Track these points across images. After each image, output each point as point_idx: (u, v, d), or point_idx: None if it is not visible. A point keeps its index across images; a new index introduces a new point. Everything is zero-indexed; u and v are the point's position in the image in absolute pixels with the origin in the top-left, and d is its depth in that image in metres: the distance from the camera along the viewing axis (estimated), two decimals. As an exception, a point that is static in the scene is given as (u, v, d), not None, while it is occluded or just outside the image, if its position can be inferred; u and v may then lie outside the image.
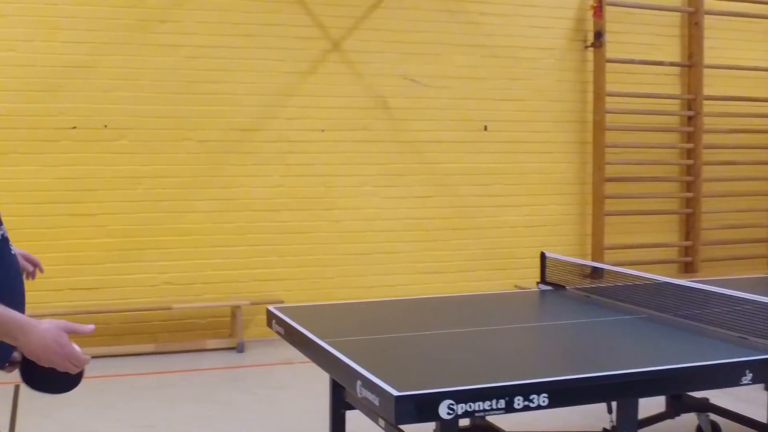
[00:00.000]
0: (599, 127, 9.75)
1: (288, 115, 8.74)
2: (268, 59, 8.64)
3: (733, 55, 10.45)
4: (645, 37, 10.07)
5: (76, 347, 2.31)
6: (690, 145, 10.24)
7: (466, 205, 9.42)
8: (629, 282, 4.95)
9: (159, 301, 8.32)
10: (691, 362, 3.34)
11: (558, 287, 5.25)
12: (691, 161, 10.26)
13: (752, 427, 4.99)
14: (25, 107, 7.89)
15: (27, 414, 6.06)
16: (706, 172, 10.30)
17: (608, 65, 9.72)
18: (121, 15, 8.16)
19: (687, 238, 10.36)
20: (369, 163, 9.03)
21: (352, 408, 4.17)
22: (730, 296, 4.04)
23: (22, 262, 2.73)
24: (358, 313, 4.81)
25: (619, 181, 9.90)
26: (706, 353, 3.53)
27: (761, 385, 5.46)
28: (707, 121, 10.27)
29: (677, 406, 5.00)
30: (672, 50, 10.24)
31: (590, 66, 9.81)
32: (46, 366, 2.28)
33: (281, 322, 4.28)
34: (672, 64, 10.22)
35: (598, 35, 9.66)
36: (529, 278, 7.16)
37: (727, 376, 3.35)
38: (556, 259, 5.39)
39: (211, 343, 8.32)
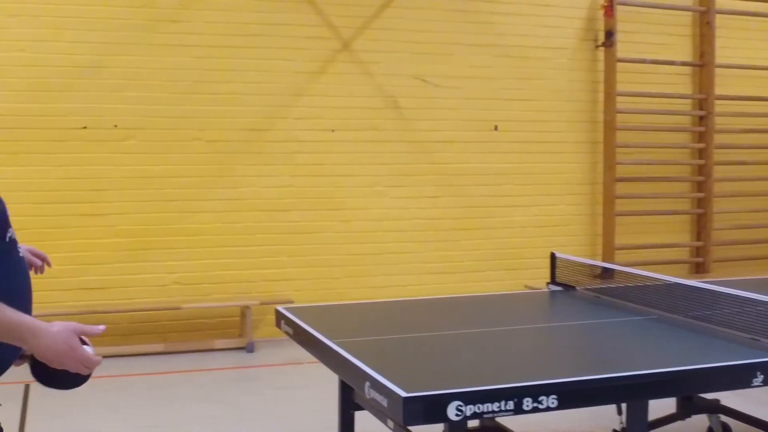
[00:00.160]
0: (610, 127, 9.71)
1: (298, 115, 8.73)
2: (277, 59, 8.63)
3: (744, 54, 10.40)
4: (656, 37, 10.03)
5: (88, 348, 2.32)
6: (701, 145, 10.19)
7: (477, 205, 9.39)
8: (639, 283, 4.92)
9: (168, 301, 8.32)
10: (702, 364, 3.32)
11: (568, 288, 5.22)
12: (702, 161, 10.21)
13: (764, 429, 4.96)
14: (35, 107, 7.89)
15: (36, 413, 6.06)
16: (718, 172, 10.25)
17: (619, 65, 9.68)
18: (130, 15, 8.16)
19: (698, 239, 10.31)
20: (379, 163, 9.01)
21: (361, 409, 4.15)
22: (742, 297, 4.01)
23: (28, 257, 2.74)
24: (367, 313, 4.80)
25: (630, 181, 9.86)
26: (716, 355, 3.51)
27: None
28: (719, 121, 10.22)
29: (688, 407, 4.97)
30: (683, 50, 10.20)
31: (601, 65, 9.77)
32: (58, 368, 2.29)
33: (290, 323, 4.28)
34: (683, 63, 10.18)
35: (609, 35, 9.62)
36: (540, 278, 7.13)
37: (738, 378, 3.33)
38: (566, 260, 5.36)
39: (220, 343, 8.31)
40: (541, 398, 2.89)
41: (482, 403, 2.81)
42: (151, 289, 8.33)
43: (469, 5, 9.26)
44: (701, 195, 10.22)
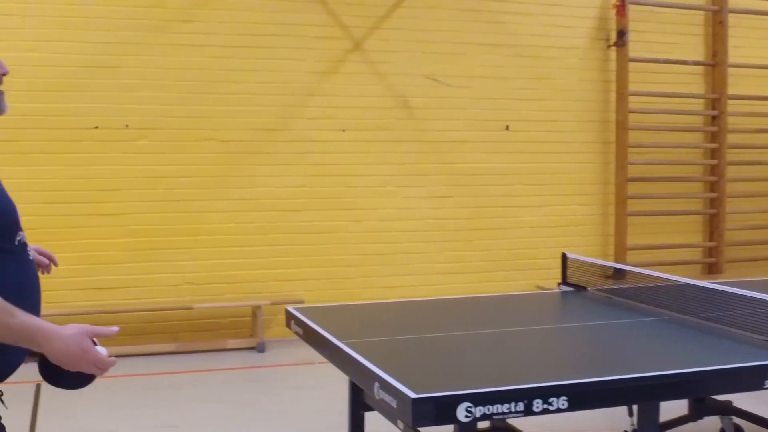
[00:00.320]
0: (622, 127, 9.68)
1: (309, 115, 8.73)
2: (289, 59, 8.63)
3: (758, 54, 10.35)
4: (668, 36, 9.99)
5: (102, 349, 2.32)
6: (714, 145, 10.15)
7: (488, 206, 9.37)
8: (651, 283, 4.90)
9: (180, 301, 8.33)
10: (714, 365, 3.30)
11: (579, 288, 5.20)
12: (715, 161, 10.17)
13: (776, 431, 4.93)
14: (48, 107, 7.91)
15: (47, 412, 6.08)
16: (731, 172, 10.20)
17: (631, 64, 9.64)
18: (143, 15, 8.18)
19: (711, 239, 10.27)
20: (390, 163, 9.00)
21: (371, 409, 4.14)
22: (754, 298, 3.98)
23: (35, 256, 2.74)
24: (377, 313, 4.79)
25: (642, 181, 9.82)
26: (729, 356, 3.49)
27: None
28: (731, 121, 10.17)
29: (700, 408, 4.94)
30: (696, 49, 10.15)
31: (613, 65, 9.74)
32: (72, 370, 2.29)
33: (300, 323, 4.27)
34: (696, 63, 10.13)
35: (621, 34, 9.59)
36: (551, 279, 7.11)
37: (750, 380, 3.30)
38: (578, 260, 5.34)
39: (232, 343, 8.32)
40: (551, 399, 2.87)
41: (492, 404, 2.80)
42: (163, 288, 8.34)
43: (481, 5, 9.24)
44: (714, 195, 10.18)
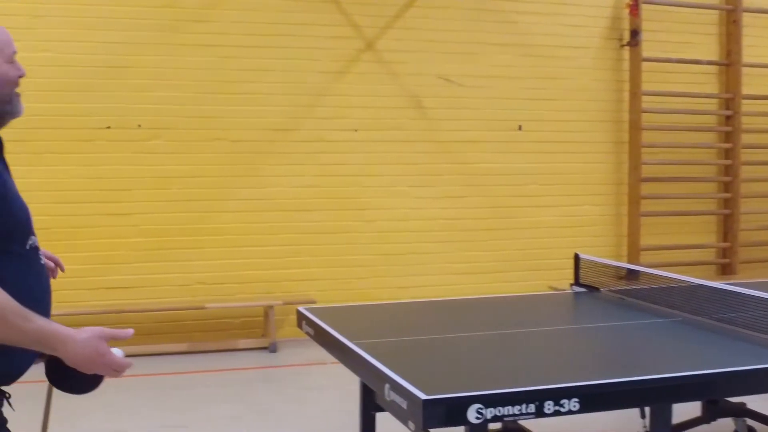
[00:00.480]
0: (635, 127, 9.64)
1: (321, 115, 8.72)
2: (301, 59, 8.63)
3: (772, 53, 10.31)
4: (682, 36, 9.94)
5: (118, 351, 2.33)
6: (728, 145, 10.10)
7: (501, 206, 9.35)
8: (664, 284, 4.87)
9: (192, 301, 8.33)
10: (728, 367, 3.27)
11: (592, 289, 5.18)
12: (729, 161, 10.12)
13: (791, 433, 4.90)
14: (60, 107, 7.93)
15: (57, 412, 6.06)
16: (745, 172, 10.15)
17: (644, 64, 9.60)
18: (155, 15, 8.19)
19: (725, 240, 10.22)
20: (402, 163, 8.99)
21: (382, 410, 4.12)
22: (768, 299, 3.96)
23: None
24: (388, 314, 4.78)
25: (656, 181, 9.78)
26: (742, 358, 3.46)
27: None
28: (746, 121, 10.12)
29: (713, 410, 4.91)
30: (709, 48, 10.10)
31: (626, 65, 9.70)
32: (88, 373, 2.31)
33: (311, 323, 4.27)
34: (710, 62, 10.08)
35: (635, 34, 9.55)
36: (564, 279, 7.08)
37: (764, 382, 3.28)
38: (590, 261, 5.32)
39: (244, 343, 8.32)
40: (563, 401, 2.86)
41: (503, 405, 2.78)
42: (175, 288, 8.35)
43: (494, 4, 9.22)
44: (728, 195, 10.13)
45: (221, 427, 6.00)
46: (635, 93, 9.61)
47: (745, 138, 10.13)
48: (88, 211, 8.07)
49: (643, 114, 9.61)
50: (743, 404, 4.99)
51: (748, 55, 10.07)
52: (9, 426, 2.47)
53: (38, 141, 7.83)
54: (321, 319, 4.19)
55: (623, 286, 5.16)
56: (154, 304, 8.21)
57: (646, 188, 9.71)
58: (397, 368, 3.11)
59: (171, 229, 8.32)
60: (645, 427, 4.30)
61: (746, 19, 10.05)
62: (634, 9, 9.46)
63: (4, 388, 2.41)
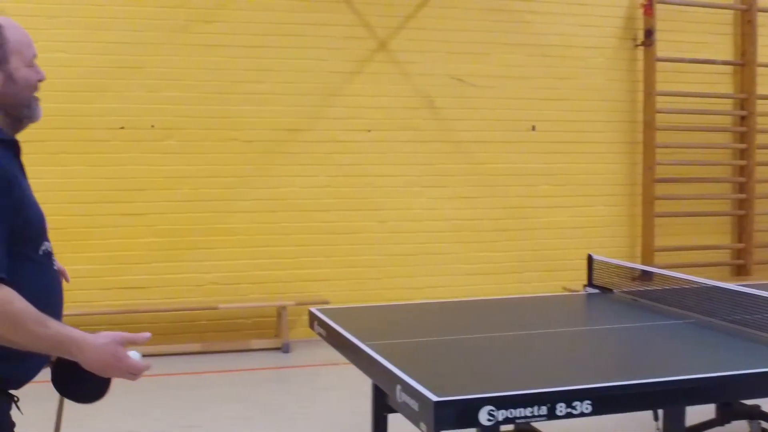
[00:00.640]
0: (649, 127, 9.60)
1: (334, 115, 8.72)
2: (314, 59, 8.63)
3: (787, 53, 10.25)
4: (696, 35, 9.89)
5: (135, 354, 2.34)
6: (743, 146, 10.05)
7: (514, 206, 9.33)
8: (677, 286, 4.84)
9: (205, 301, 8.34)
10: (742, 369, 3.24)
11: (605, 290, 5.15)
12: (744, 162, 10.07)
13: (806, 436, 4.86)
14: (74, 107, 7.95)
15: (72, 412, 6.07)
16: (760, 173, 10.09)
17: (659, 64, 9.56)
18: (167, 16, 8.20)
19: (739, 241, 10.17)
20: (416, 163, 8.98)
21: (394, 411, 4.12)
22: (783, 301, 3.93)
23: None
24: (400, 315, 4.77)
25: (670, 182, 9.74)
26: (757, 360, 3.43)
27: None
28: (761, 121, 10.07)
29: (727, 413, 4.88)
30: (724, 48, 10.05)
31: (640, 65, 9.66)
32: (105, 377, 2.33)
33: (323, 324, 4.26)
34: (724, 62, 10.03)
35: (649, 33, 9.51)
36: (578, 280, 7.05)
37: (779, 384, 3.25)
38: (603, 262, 5.30)
39: (257, 343, 8.33)
40: (575, 403, 2.84)
41: (514, 407, 2.76)
42: (188, 288, 8.36)
43: (506, 4, 9.20)
44: (743, 196, 10.08)
45: (234, 427, 6.00)
46: (649, 93, 9.57)
47: (760, 138, 10.07)
48: (102, 211, 8.09)
49: (657, 114, 9.58)
50: (758, 407, 4.95)
51: (763, 55, 10.02)
52: (22, 426, 2.48)
53: (52, 141, 7.86)
54: (333, 319, 4.18)
55: (637, 287, 5.14)
56: (167, 304, 8.23)
57: (660, 189, 9.67)
58: (409, 369, 3.10)
59: (184, 229, 8.33)
60: (658, 429, 4.28)
61: (761, 18, 10.00)
62: (649, 9, 9.42)
63: (12, 391, 2.41)
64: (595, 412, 2.86)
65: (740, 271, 10.11)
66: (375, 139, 8.84)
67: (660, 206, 9.71)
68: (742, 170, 10.11)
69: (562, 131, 9.47)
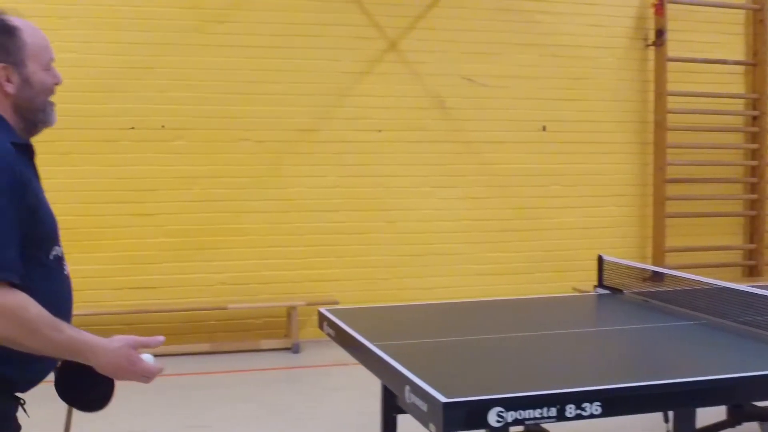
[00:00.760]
0: (660, 127, 9.57)
1: (345, 116, 8.72)
2: (324, 59, 8.63)
3: (800, 53, 10.19)
4: (708, 35, 9.85)
5: (148, 357, 2.36)
6: (755, 146, 10.00)
7: (524, 207, 9.31)
8: (688, 286, 4.82)
9: (215, 301, 8.35)
10: (753, 371, 3.22)
11: (615, 291, 5.13)
12: (755, 162, 10.02)
13: (817, 438, 4.83)
14: (85, 108, 7.96)
15: (80, 412, 6.10)
16: (772, 173, 10.06)
17: (670, 64, 9.53)
18: (178, 16, 8.21)
19: (751, 241, 10.12)
20: (426, 163, 8.97)
21: (403, 412, 4.11)
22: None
23: None
24: (408, 315, 4.76)
25: (681, 182, 9.70)
26: (768, 362, 3.42)
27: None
28: (773, 122, 10.03)
29: (738, 414, 4.85)
30: (736, 48, 10.01)
31: (651, 65, 9.63)
32: (119, 380, 2.35)
33: (332, 324, 4.26)
34: (736, 62, 9.99)
35: (660, 33, 9.48)
36: (588, 281, 7.04)
37: (790, 386, 3.23)
38: (614, 263, 5.28)
39: (267, 344, 8.33)
40: (584, 405, 2.82)
41: (524, 409, 2.75)
42: (198, 288, 8.37)
43: (517, 4, 9.18)
44: (754, 197, 10.03)
45: (243, 427, 6.01)
46: (660, 93, 9.54)
47: (772, 139, 10.04)
48: (112, 211, 8.10)
49: (669, 114, 9.54)
50: (769, 408, 4.94)
51: (775, 54, 9.98)
52: (30, 427, 2.47)
53: (63, 141, 7.87)
54: (342, 320, 4.18)
55: (647, 288, 5.11)
56: (177, 304, 8.23)
57: (671, 189, 9.64)
58: (418, 370, 3.09)
59: (194, 230, 8.34)
60: (668, 431, 4.26)
61: (773, 18, 9.96)
62: (660, 8, 9.39)
63: (18, 394, 2.41)
64: (604, 413, 2.85)
65: (752, 272, 10.07)
66: (385, 139, 8.83)
67: (671, 207, 9.67)
68: (754, 171, 10.07)
69: (573, 131, 9.45)
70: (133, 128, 8.14)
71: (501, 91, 9.17)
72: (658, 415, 4.31)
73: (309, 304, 8.33)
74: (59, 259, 2.45)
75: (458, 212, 9.09)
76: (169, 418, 6.20)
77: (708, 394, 3.07)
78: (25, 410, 2.43)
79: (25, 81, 2.43)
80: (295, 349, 8.19)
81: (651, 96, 9.65)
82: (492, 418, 2.72)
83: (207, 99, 8.31)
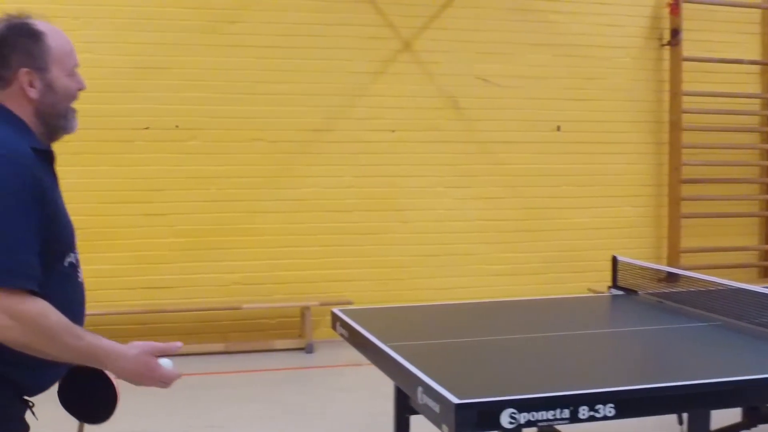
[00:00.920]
0: (676, 128, 9.51)
1: (358, 116, 8.71)
2: (338, 59, 8.62)
3: (816, 52, 10.13)
4: (723, 35, 9.79)
5: (166, 362, 2.37)
6: (771, 146, 9.96)
7: (539, 207, 9.28)
8: (703, 287, 4.79)
9: (229, 301, 8.36)
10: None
11: (630, 292, 5.11)
12: (771, 162, 9.98)
13: (834, 440, 4.80)
14: (99, 108, 7.97)
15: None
16: (788, 173, 10.01)
17: (685, 64, 9.47)
18: (191, 16, 8.23)
19: (767, 242, 10.06)
20: (440, 163, 8.95)
21: (416, 413, 4.09)
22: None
23: None
24: (422, 316, 4.75)
25: (697, 182, 9.65)
26: (784, 363, 3.39)
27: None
28: (789, 121, 9.98)
29: (754, 417, 4.81)
30: (752, 48, 9.95)
31: (666, 65, 9.58)
32: (137, 386, 2.36)
33: (345, 325, 4.25)
34: (752, 62, 9.93)
35: (675, 33, 9.43)
36: (603, 282, 7.01)
37: (806, 388, 3.20)
38: (628, 263, 5.25)
39: (280, 344, 8.33)
40: (598, 406, 2.81)
41: (537, 410, 2.74)
42: (212, 288, 8.37)
43: (531, 4, 9.15)
44: (770, 197, 9.99)
45: (256, 427, 6.01)
46: (675, 93, 9.49)
47: (789, 139, 9.99)
48: (126, 211, 8.12)
49: (684, 114, 9.49)
50: (785, 410, 4.90)
51: (792, 54, 9.93)
52: (39, 429, 2.48)
53: (77, 141, 7.85)
54: (355, 320, 4.17)
55: (662, 288, 5.09)
56: (191, 304, 8.24)
57: (686, 189, 9.59)
58: (430, 371, 3.08)
59: (208, 229, 8.35)
60: (683, 433, 4.24)
61: (790, 17, 9.90)
62: (675, 8, 9.34)
63: (27, 397, 2.41)
64: (618, 415, 2.84)
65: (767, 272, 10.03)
66: (399, 139, 8.82)
67: (686, 207, 9.62)
68: (770, 171, 10.03)
69: (588, 131, 9.41)
70: (147, 128, 8.16)
71: (515, 91, 9.14)
72: (672, 417, 4.27)
73: (323, 304, 8.32)
74: (74, 266, 2.45)
75: (472, 212, 9.07)
76: (182, 417, 6.21)
77: (723, 396, 3.05)
78: (33, 413, 2.43)
79: (48, 86, 2.42)
80: (308, 349, 8.19)
81: (666, 96, 9.60)
82: (505, 419, 2.71)
83: (220, 99, 8.31)
